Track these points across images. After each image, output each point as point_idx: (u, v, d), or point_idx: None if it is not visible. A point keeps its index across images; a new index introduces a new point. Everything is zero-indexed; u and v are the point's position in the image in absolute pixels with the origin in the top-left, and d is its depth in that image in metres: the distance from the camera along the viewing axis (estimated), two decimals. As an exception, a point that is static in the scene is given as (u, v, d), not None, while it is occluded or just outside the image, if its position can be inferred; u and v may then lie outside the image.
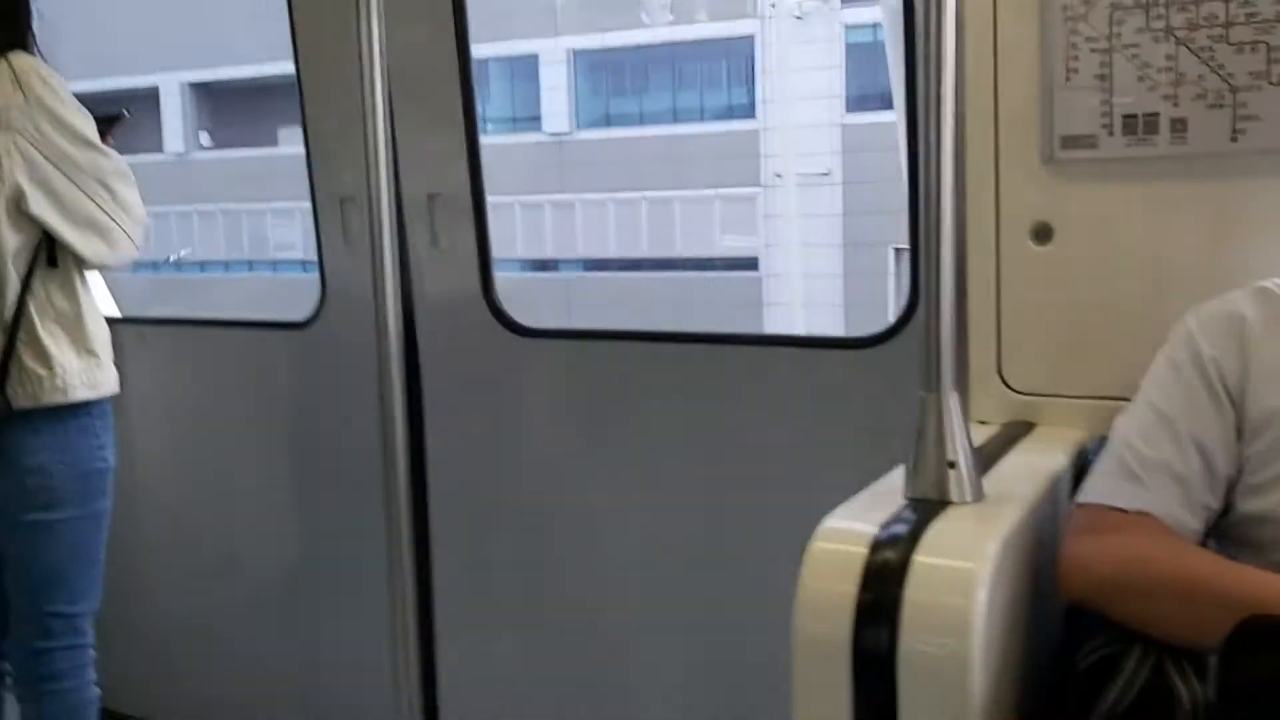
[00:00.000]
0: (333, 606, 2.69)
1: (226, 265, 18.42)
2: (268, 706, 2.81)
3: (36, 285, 1.94)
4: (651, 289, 13.97)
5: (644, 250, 14.71)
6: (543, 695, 2.44)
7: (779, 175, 13.18)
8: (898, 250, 11.51)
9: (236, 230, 18.31)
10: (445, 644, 2.50)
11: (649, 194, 14.56)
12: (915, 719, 1.06)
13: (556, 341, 2.41)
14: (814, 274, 12.97)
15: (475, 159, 2.35)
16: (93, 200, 1.94)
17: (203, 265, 18.12)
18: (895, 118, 2.16)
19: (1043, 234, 1.56)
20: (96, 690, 2.08)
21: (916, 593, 1.07)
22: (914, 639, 1.06)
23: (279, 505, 2.77)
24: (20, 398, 1.91)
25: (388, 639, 1.81)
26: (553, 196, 14.89)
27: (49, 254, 1.95)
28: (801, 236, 13.03)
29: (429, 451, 2.45)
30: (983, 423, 1.58)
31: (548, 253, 15.03)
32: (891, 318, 2.04)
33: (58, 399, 1.94)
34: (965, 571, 1.08)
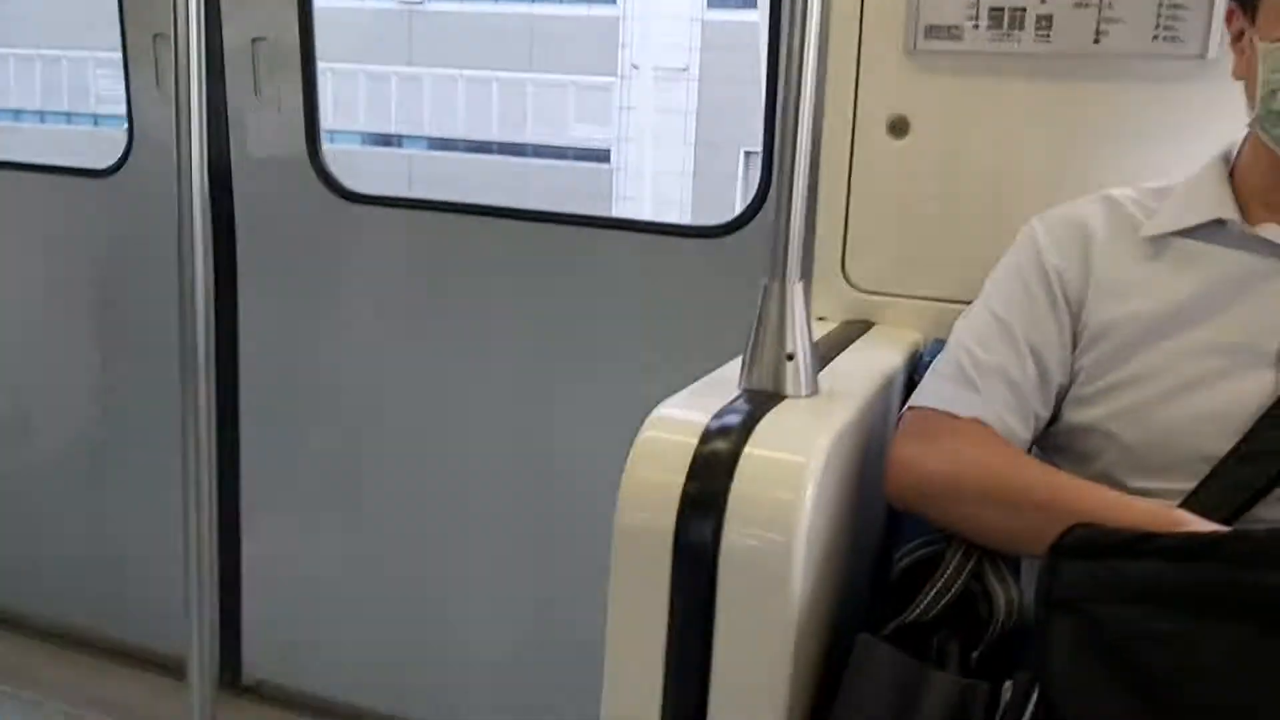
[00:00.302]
0: (130, 473, 2.53)
1: (41, 116, 17.14)
2: (59, 570, 2.66)
3: None
4: (498, 173, 13.68)
5: (493, 133, 14.35)
6: (352, 581, 2.35)
7: (636, 66, 12.98)
8: (748, 154, 11.53)
9: (56, 80, 17.01)
10: (250, 532, 2.38)
11: (501, 74, 14.16)
12: (733, 614, 1.02)
13: (387, 210, 2.26)
14: (664, 171, 12.91)
15: (306, 3, 2.16)
16: None
17: (16, 114, 16.85)
18: (757, 17, 2.08)
19: (899, 127, 1.51)
20: None
21: (744, 485, 1.02)
22: (738, 532, 1.01)
23: (75, 365, 2.57)
24: None
25: (184, 524, 1.68)
26: (400, 68, 14.31)
27: None
28: (655, 132, 12.92)
29: (240, 319, 2.30)
30: (822, 319, 1.54)
31: (391, 127, 14.50)
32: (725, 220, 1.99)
33: None
34: (795, 465, 1.04)
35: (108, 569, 2.59)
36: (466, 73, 14.09)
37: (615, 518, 1.08)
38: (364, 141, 14.26)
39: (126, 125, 2.37)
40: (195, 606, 1.67)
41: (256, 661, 2.44)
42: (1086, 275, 1.24)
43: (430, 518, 2.27)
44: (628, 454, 1.08)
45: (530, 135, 14.25)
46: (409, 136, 14.66)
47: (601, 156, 13.87)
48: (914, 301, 1.53)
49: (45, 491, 2.65)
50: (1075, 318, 1.24)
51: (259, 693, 2.44)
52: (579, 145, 14.01)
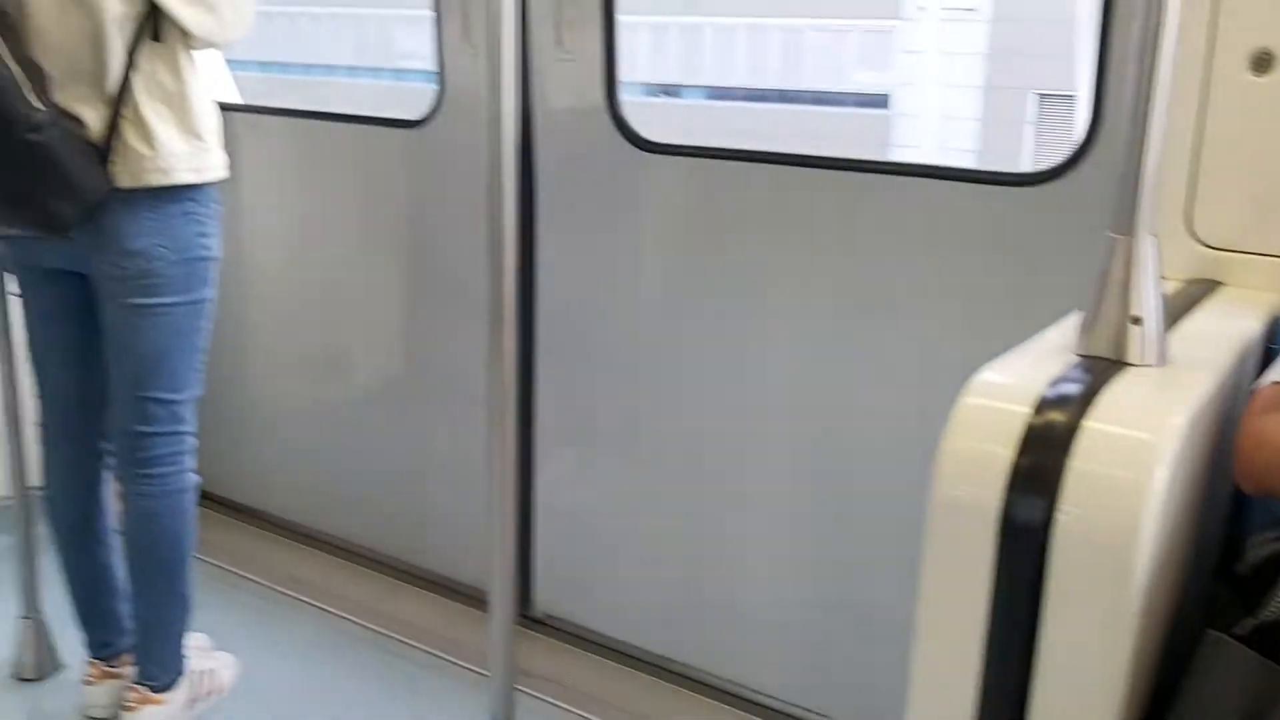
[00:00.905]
0: (433, 409, 2.66)
1: (350, 72, 18.35)
2: (364, 499, 2.84)
3: (142, 60, 1.84)
4: (773, 121, 13.53)
5: (770, 81, 14.19)
6: (637, 524, 2.39)
7: (922, 8, 12.45)
8: (1042, 96, 10.85)
9: (362, 35, 18.17)
10: (543, 460, 2.45)
11: (780, 21, 13.95)
12: (1066, 602, 0.94)
13: (682, 159, 2.24)
14: (949, 116, 12.38)
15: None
16: (203, -31, 1.82)
17: (328, 69, 18.10)
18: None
19: (1264, 62, 1.33)
20: (195, 477, 2.08)
21: (1085, 462, 0.93)
22: (1075, 513, 0.92)
23: (385, 304, 2.72)
24: (122, 176, 1.84)
25: (486, 449, 1.74)
26: (680, 18, 14.36)
27: (154, 27, 1.84)
28: (940, 75, 12.38)
29: (539, 263, 2.35)
30: (1163, 278, 1.39)
31: (670, 78, 14.60)
32: (1028, 169, 1.84)
33: (159, 180, 1.86)
34: (1145, 444, 0.93)
35: (409, 497, 2.75)
36: (746, 20, 13.97)
37: (931, 488, 1.01)
38: (643, 92, 14.44)
39: (437, 77, 2.46)
40: (497, 540, 1.73)
41: (545, 595, 2.52)
42: None
43: (717, 466, 2.26)
44: (927, 416, 1.01)
45: (808, 82, 14.00)
46: (688, 86, 14.73)
47: (879, 102, 13.46)
48: (1272, 260, 1.36)
49: (355, 423, 2.83)
50: None
51: (547, 625, 2.52)
52: (856, 91, 13.65)
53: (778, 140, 12.46)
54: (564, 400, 2.42)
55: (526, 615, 2.50)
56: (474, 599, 2.58)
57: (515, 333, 1.73)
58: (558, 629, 2.52)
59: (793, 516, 2.19)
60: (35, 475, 2.21)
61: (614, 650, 2.45)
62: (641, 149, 2.25)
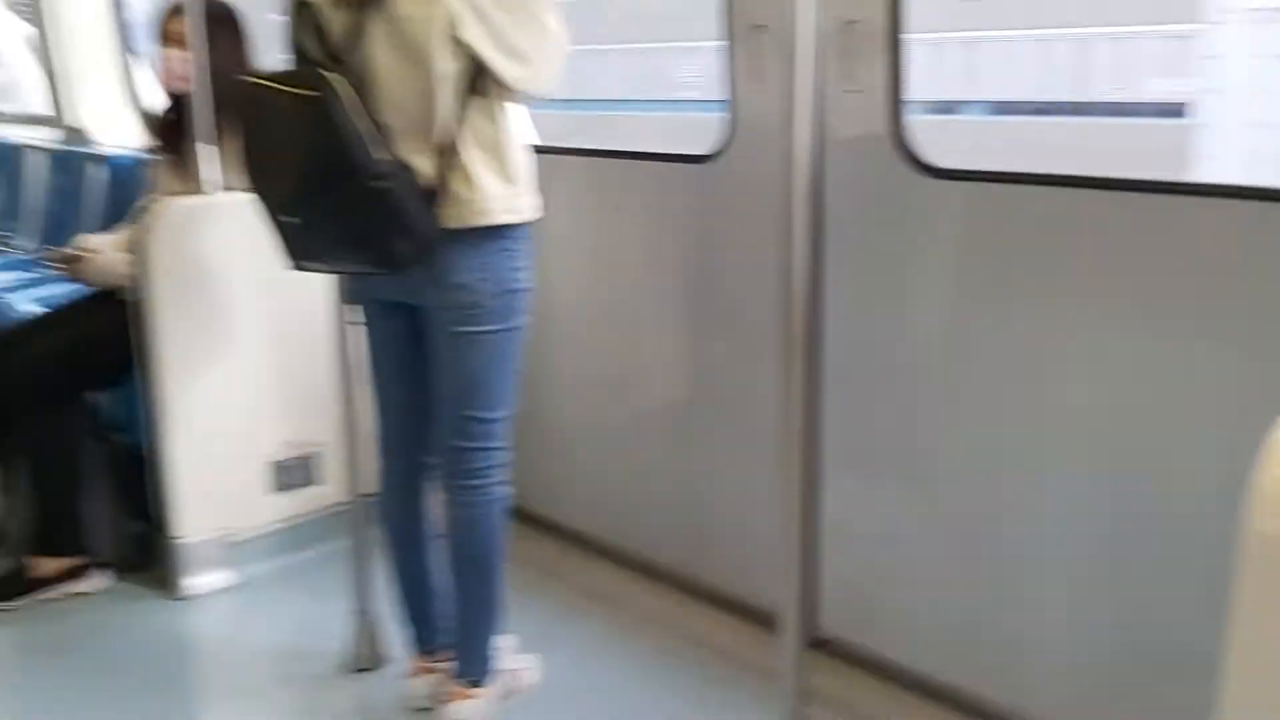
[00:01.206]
0: (721, 431, 2.76)
1: (628, 104, 19.03)
2: (656, 515, 2.97)
3: (466, 112, 2.03)
4: (1058, 136, 12.93)
5: (1057, 93, 13.59)
6: (926, 549, 2.38)
7: (1228, 10, 11.59)
8: (1371, 98, 9.86)
9: (639, 68, 18.80)
10: (830, 482, 2.48)
11: (1066, 31, 13.34)
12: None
13: (974, 185, 2.22)
14: (1260, 124, 11.44)
15: (898, -16, 2.19)
16: (522, 29, 1.99)
17: (606, 103, 18.85)
18: None
19: None
20: (507, 489, 2.25)
21: None
22: None
23: (675, 330, 2.85)
24: (449, 218, 2.04)
25: (776, 473, 1.81)
26: (956, 33, 14.00)
27: (477, 82, 2.03)
28: (1250, 81, 11.48)
29: (826, 288, 2.40)
30: None
31: (947, 94, 14.26)
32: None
33: (481, 220, 2.05)
34: None
35: (698, 515, 2.85)
36: (1032, 33, 13.46)
37: (1244, 521, 0.99)
38: (922, 111, 14.20)
39: (727, 112, 2.56)
40: (787, 562, 1.79)
41: (831, 617, 2.55)
42: None
43: (1008, 492, 2.23)
44: (1234, 445, 0.98)
45: (1098, 92, 13.31)
46: (969, 102, 14.34)
47: (1174, 112, 12.61)
48: None
49: (647, 443, 2.97)
50: None
51: (833, 648, 2.55)
52: (1150, 101, 12.85)
53: (1065, 155, 11.93)
54: (851, 423, 2.45)
55: (813, 636, 2.54)
56: (759, 617, 2.65)
57: (805, 360, 1.80)
58: (844, 652, 2.54)
59: (1088, 545, 2.12)
60: (367, 483, 2.45)
61: (901, 676, 2.45)
62: (929, 175, 2.26)
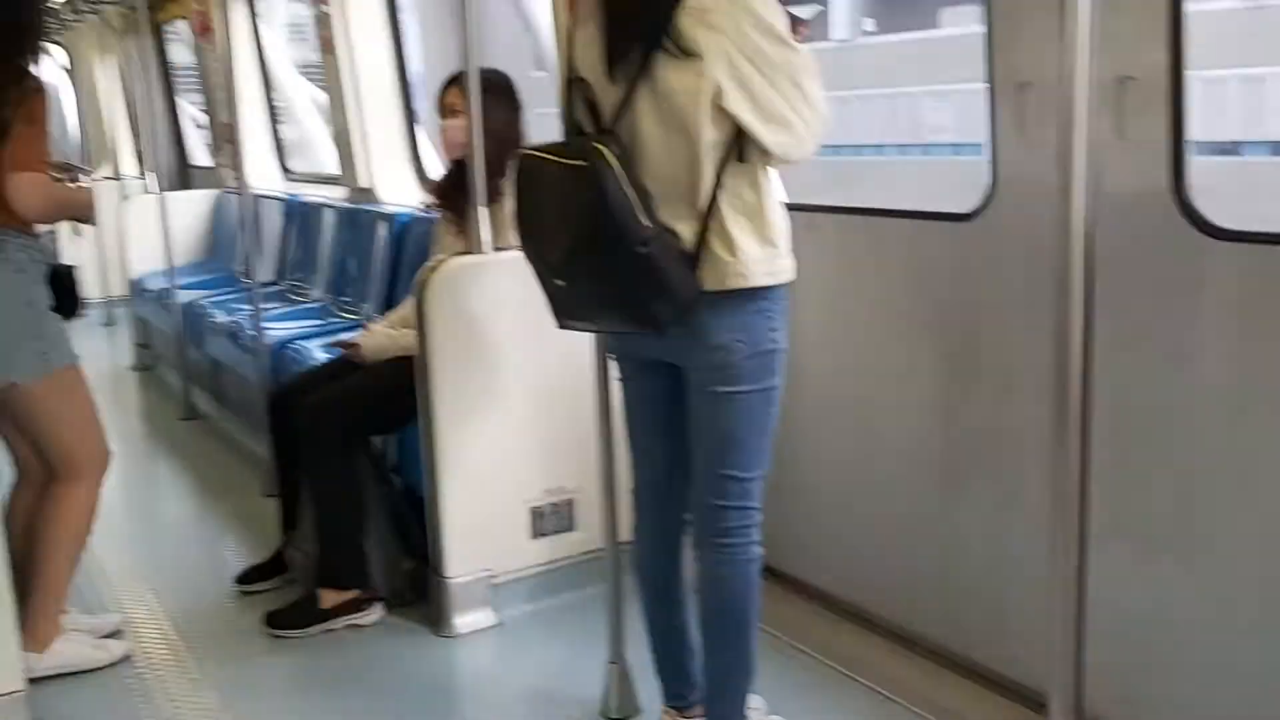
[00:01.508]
0: (979, 499, 2.68)
1: (878, 148, 18.86)
2: (911, 583, 2.90)
3: (726, 178, 2.08)
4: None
5: (1355, 130, 12.49)
6: (1200, 630, 2.22)
7: None
8: None
9: (892, 114, 18.61)
10: (1098, 555, 2.36)
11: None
12: None
13: (1256, 246, 2.09)
14: None
15: (1177, 35, 2.09)
16: (783, 96, 2.02)
17: (856, 148, 18.77)
18: None
19: None
20: (760, 549, 2.26)
21: None
22: None
23: (933, 393, 2.79)
24: (708, 280, 2.09)
25: (1048, 547, 1.75)
26: (1240, 70, 13.12)
27: (740, 149, 2.08)
28: None
29: (1096, 351, 2.30)
30: None
31: (1228, 134, 13.36)
32: None
33: (739, 283, 2.09)
34: None
35: (956, 585, 2.77)
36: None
37: None
38: (1197, 152, 13.36)
39: (989, 169, 2.51)
40: (1061, 641, 1.72)
41: (1097, 698, 2.41)
42: None
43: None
44: None
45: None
46: (1252, 142, 13.38)
47: None
48: None
49: (902, 507, 2.91)
50: None
51: (1099, 730, 2.42)
52: None
53: (1365, 197, 10.91)
54: (1121, 494, 2.33)
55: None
56: (1015, 691, 2.54)
57: (1080, 427, 1.73)
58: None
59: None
60: (624, 531, 2.52)
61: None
62: (1211, 235, 2.13)
